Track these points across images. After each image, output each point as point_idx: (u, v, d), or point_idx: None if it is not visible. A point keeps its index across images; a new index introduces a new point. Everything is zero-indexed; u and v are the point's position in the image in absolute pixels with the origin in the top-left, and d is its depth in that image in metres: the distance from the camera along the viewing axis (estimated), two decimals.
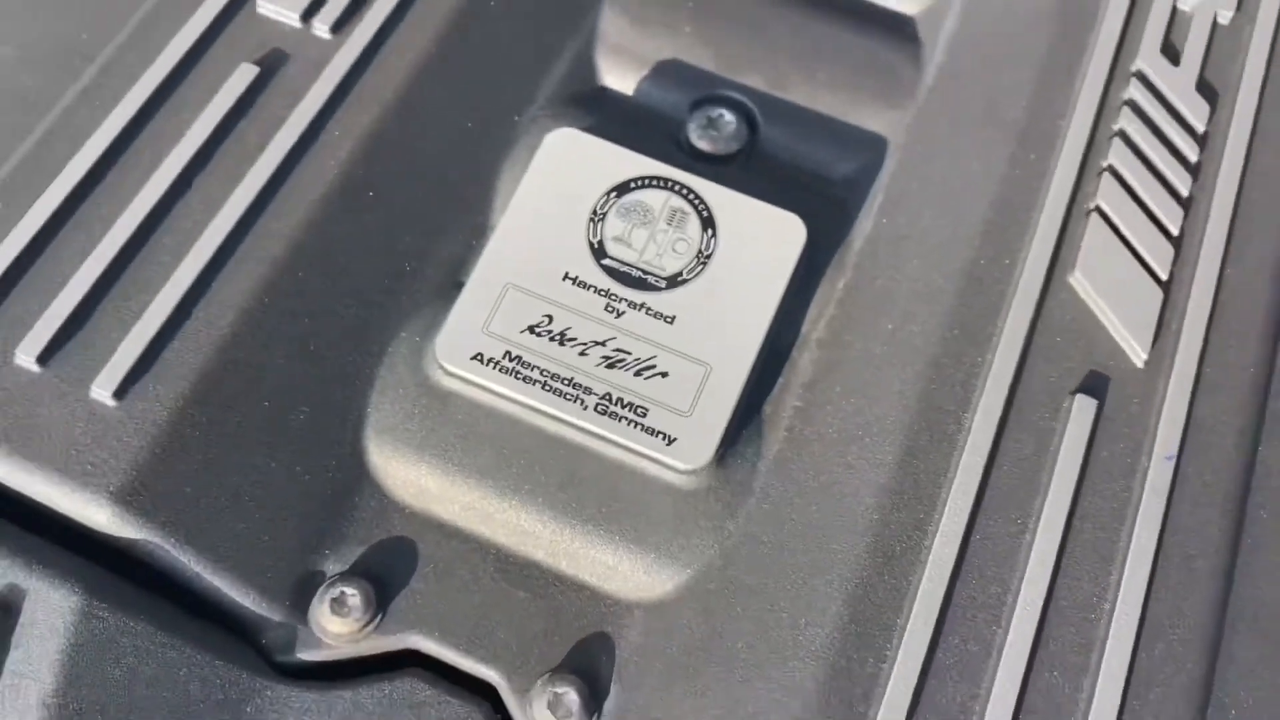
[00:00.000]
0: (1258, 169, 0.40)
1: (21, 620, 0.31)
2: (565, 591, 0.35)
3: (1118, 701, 0.31)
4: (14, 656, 0.31)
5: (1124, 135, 0.40)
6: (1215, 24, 0.43)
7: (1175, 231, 0.39)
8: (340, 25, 0.40)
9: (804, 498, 0.35)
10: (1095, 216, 0.39)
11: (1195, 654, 0.32)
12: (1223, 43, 0.43)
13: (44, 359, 0.34)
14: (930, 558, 0.33)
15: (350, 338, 0.37)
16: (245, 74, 0.39)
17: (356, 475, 0.36)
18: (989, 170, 0.40)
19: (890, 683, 0.31)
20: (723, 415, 0.36)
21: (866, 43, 0.45)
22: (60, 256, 0.35)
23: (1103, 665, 0.32)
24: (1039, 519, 0.34)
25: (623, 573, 0.35)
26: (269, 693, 0.33)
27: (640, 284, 0.38)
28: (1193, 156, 0.40)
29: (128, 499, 0.33)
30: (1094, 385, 0.36)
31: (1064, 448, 0.35)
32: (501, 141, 0.41)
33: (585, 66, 0.44)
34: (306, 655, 0.34)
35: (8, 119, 0.39)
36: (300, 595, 0.34)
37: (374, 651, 0.35)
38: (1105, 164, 0.40)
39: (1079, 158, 0.40)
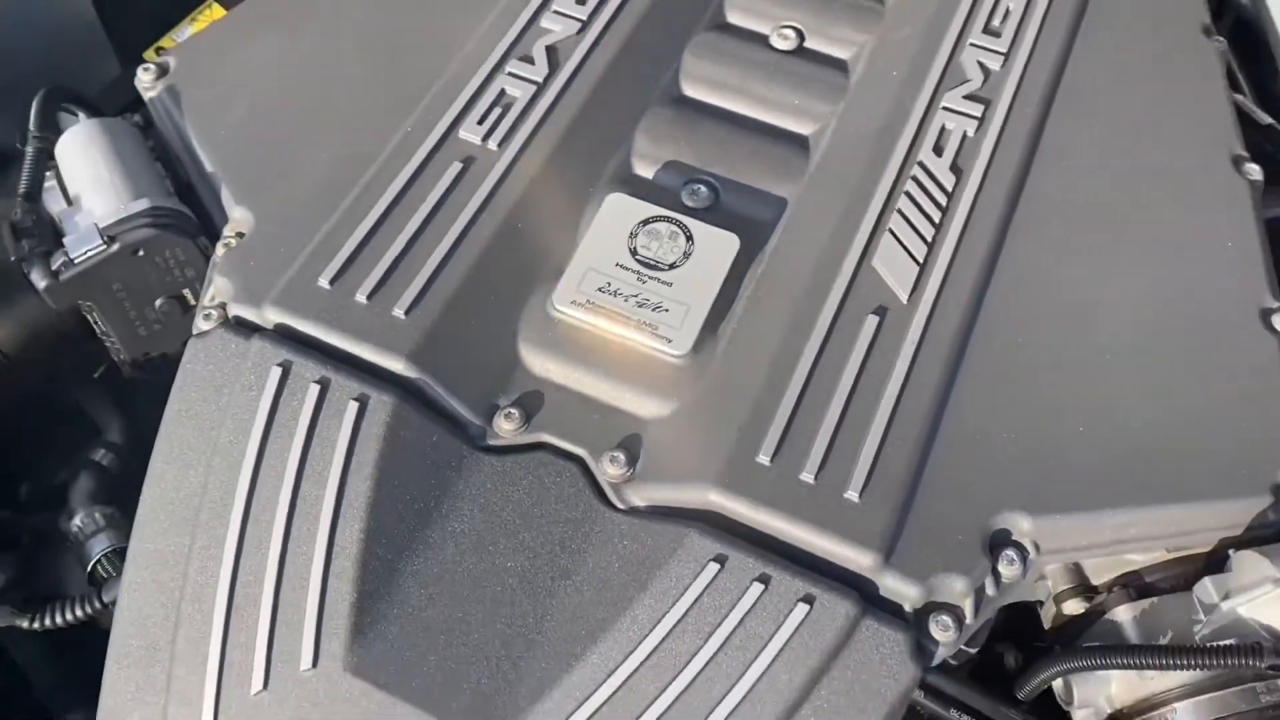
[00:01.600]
0: (978, 210, 0.76)
1: (369, 409, 0.67)
2: (615, 415, 0.70)
3: (879, 441, 0.66)
4: (365, 425, 0.67)
5: (908, 193, 0.77)
6: (965, 135, 0.80)
7: (930, 239, 0.75)
8: (502, 143, 0.78)
9: (732, 366, 0.71)
10: (889, 233, 0.75)
11: (924, 421, 0.67)
12: (968, 145, 0.80)
13: (370, 297, 0.71)
14: (791, 382, 0.68)
15: (512, 293, 0.73)
16: (455, 168, 0.77)
17: (513, 359, 0.72)
18: (836, 213, 0.76)
19: (768, 433, 0.66)
20: (695, 329, 0.72)
21: (780, 149, 0.82)
22: (374, 250, 0.73)
23: (873, 423, 0.67)
24: (847, 367, 0.69)
25: (644, 404, 0.70)
26: (472, 457, 0.69)
27: (655, 267, 0.74)
28: (943, 202, 0.77)
29: (414, 358, 0.69)
30: (880, 310, 0.72)
31: (860, 337, 0.70)
32: (583, 200, 0.79)
33: (626, 162, 0.82)
34: (491, 442, 0.70)
35: (329, 192, 0.76)
36: (488, 413, 0.70)
37: (524, 441, 0.70)
38: (897, 208, 0.76)
39: (882, 204, 0.76)
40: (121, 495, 0.83)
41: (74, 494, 0.82)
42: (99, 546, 0.78)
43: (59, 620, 0.74)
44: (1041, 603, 0.76)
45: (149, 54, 1.02)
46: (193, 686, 0.63)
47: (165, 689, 0.63)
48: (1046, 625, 0.76)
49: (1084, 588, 0.72)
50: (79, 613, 0.74)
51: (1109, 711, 0.69)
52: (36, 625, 0.74)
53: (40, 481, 0.91)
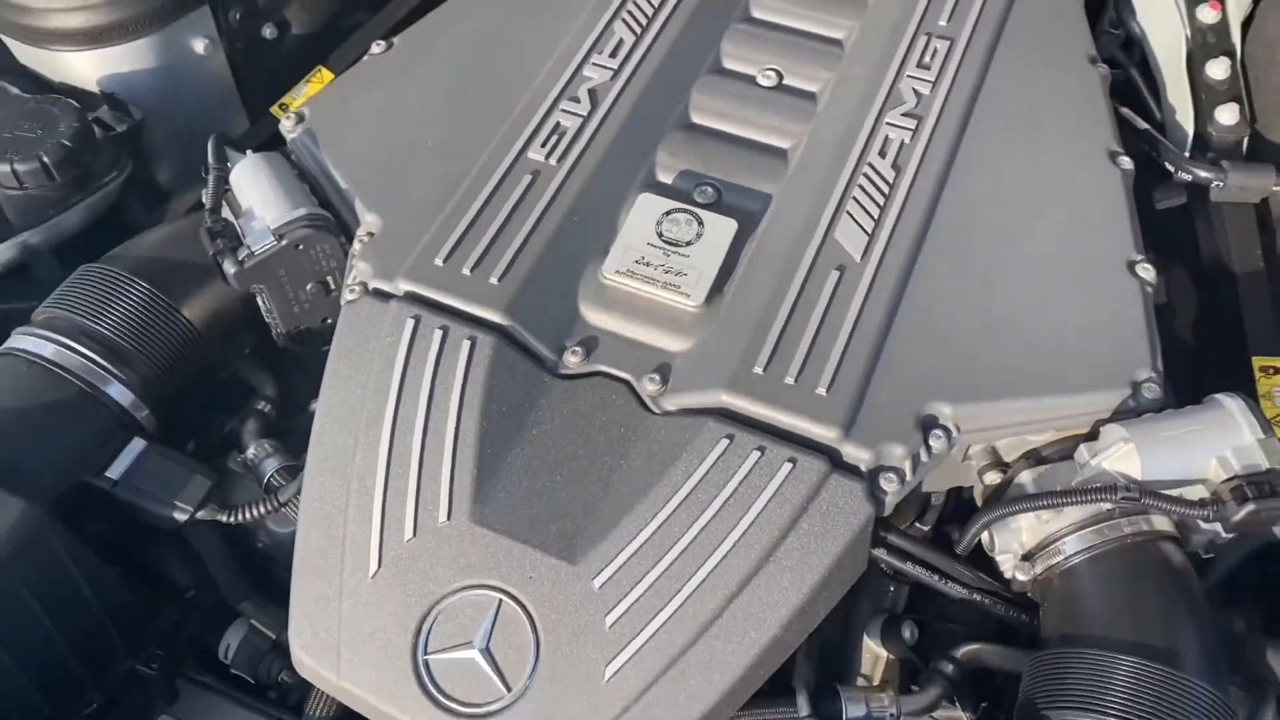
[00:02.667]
0: (912, 195, 1.04)
1: (477, 347, 0.94)
2: (651, 349, 0.97)
3: (840, 354, 0.93)
4: (475, 358, 0.94)
5: (860, 185, 1.04)
6: (903, 142, 1.08)
7: (876, 217, 1.02)
8: (560, 159, 1.06)
9: (734, 311, 0.98)
10: (846, 214, 1.02)
11: (873, 340, 0.94)
12: (905, 149, 1.07)
13: (473, 270, 0.98)
14: (778, 317, 0.95)
15: (573, 266, 1.01)
16: (526, 179, 1.04)
17: (575, 312, 0.99)
18: (807, 202, 1.04)
19: (761, 352, 0.93)
20: (707, 287, 0.99)
21: (766, 159, 1.10)
22: (473, 237, 1.00)
23: (836, 342, 0.93)
24: (817, 306, 0.96)
25: (672, 341, 0.97)
26: (550, 381, 0.95)
27: (676, 245, 1.01)
28: (886, 190, 1.04)
29: (506, 312, 0.96)
30: (840, 267, 0.99)
31: (826, 285, 0.97)
32: (620, 199, 1.06)
33: (651, 172, 1.09)
34: (562, 371, 0.96)
35: (436, 199, 1.04)
36: (559, 351, 0.97)
37: (586, 370, 0.96)
38: (852, 195, 1.04)
39: (841, 194, 1.04)
40: (278, 434, 1.11)
41: (245, 433, 1.09)
42: (271, 466, 1.05)
43: (247, 516, 1.01)
44: (973, 487, 1.02)
45: (274, 109, 1.31)
46: (361, 537, 0.89)
47: (342, 543, 0.90)
48: (979, 501, 1.02)
49: (998, 463, 0.98)
50: (262, 510, 1.01)
51: (1022, 553, 0.95)
52: (232, 520, 1.01)
53: (204, 435, 1.18)
